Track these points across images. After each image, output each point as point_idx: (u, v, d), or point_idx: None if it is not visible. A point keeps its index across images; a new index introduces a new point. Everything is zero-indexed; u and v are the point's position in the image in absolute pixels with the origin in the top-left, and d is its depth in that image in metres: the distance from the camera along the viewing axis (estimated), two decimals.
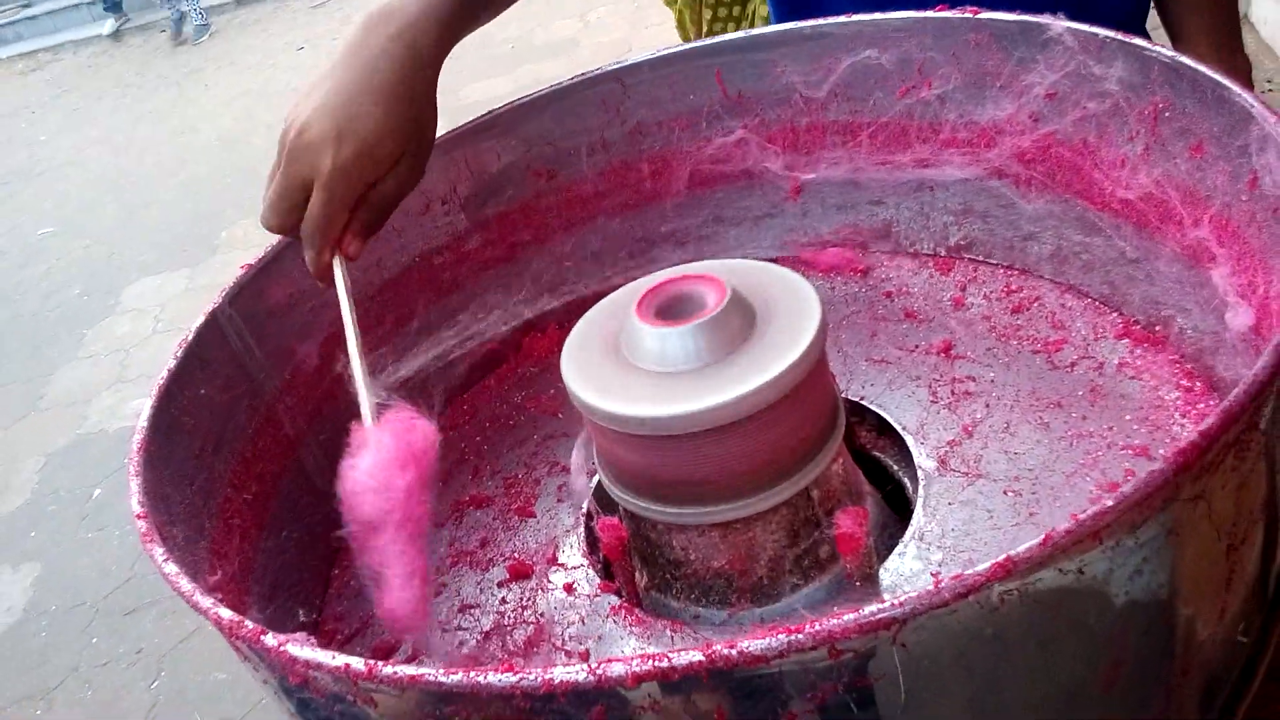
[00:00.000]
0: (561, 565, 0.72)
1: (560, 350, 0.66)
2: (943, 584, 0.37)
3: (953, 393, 0.75)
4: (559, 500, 0.78)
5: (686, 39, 1.97)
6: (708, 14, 1.90)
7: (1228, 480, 0.43)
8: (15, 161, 5.86)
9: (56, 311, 4.12)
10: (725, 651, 0.37)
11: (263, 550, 0.70)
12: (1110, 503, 0.38)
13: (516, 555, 0.74)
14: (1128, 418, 0.69)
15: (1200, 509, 0.42)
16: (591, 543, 0.72)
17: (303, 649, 0.42)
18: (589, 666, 0.38)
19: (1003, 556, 0.37)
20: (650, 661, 0.37)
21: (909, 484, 0.72)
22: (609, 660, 0.38)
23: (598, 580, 0.69)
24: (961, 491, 0.67)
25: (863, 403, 0.76)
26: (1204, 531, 0.43)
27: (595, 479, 0.76)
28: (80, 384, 3.48)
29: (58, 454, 3.14)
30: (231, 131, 5.53)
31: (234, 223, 4.50)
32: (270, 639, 0.43)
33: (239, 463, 0.71)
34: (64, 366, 3.63)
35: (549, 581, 0.71)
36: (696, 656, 0.37)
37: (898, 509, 0.72)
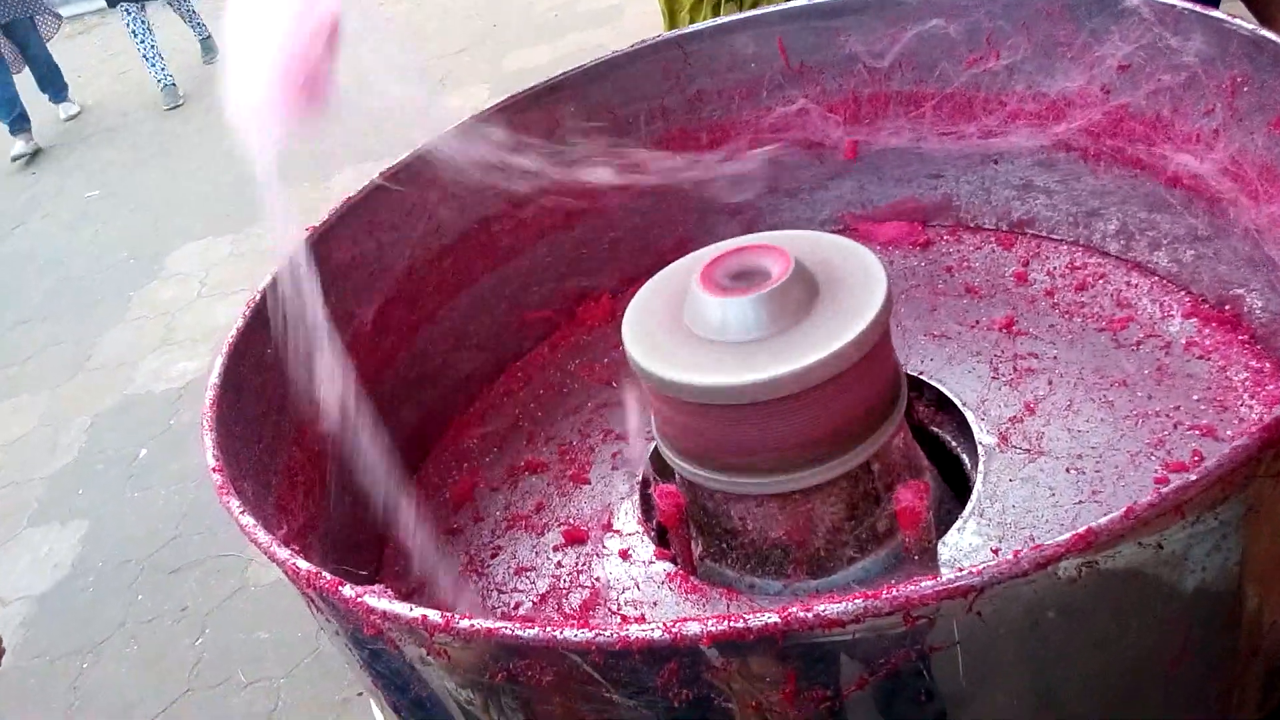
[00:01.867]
0: (617, 531, 0.72)
1: (613, 318, 0.66)
2: (1021, 554, 0.37)
3: (1014, 369, 0.74)
4: (613, 468, 0.78)
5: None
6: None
7: None
8: (62, 124, 5.94)
9: (104, 275, 4.18)
10: (801, 614, 0.37)
11: (324, 508, 0.71)
12: (1194, 476, 0.37)
13: (572, 520, 0.74)
14: (1195, 398, 0.68)
15: None
16: (646, 510, 0.73)
17: (380, 600, 0.43)
18: (665, 624, 0.38)
19: (1084, 528, 0.37)
20: (726, 622, 0.37)
21: (968, 460, 0.72)
22: (684, 620, 0.38)
23: (653, 547, 0.70)
24: (1022, 468, 0.67)
25: (922, 378, 0.76)
26: None
27: (651, 446, 0.76)
28: (127, 346, 3.53)
29: (105, 414, 3.19)
30: None
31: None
32: (348, 590, 0.44)
33: (302, 422, 0.72)
34: (111, 329, 3.69)
35: (604, 547, 0.71)
36: (772, 619, 0.37)
37: (956, 486, 0.72)
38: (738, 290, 0.61)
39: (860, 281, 0.62)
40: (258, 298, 0.70)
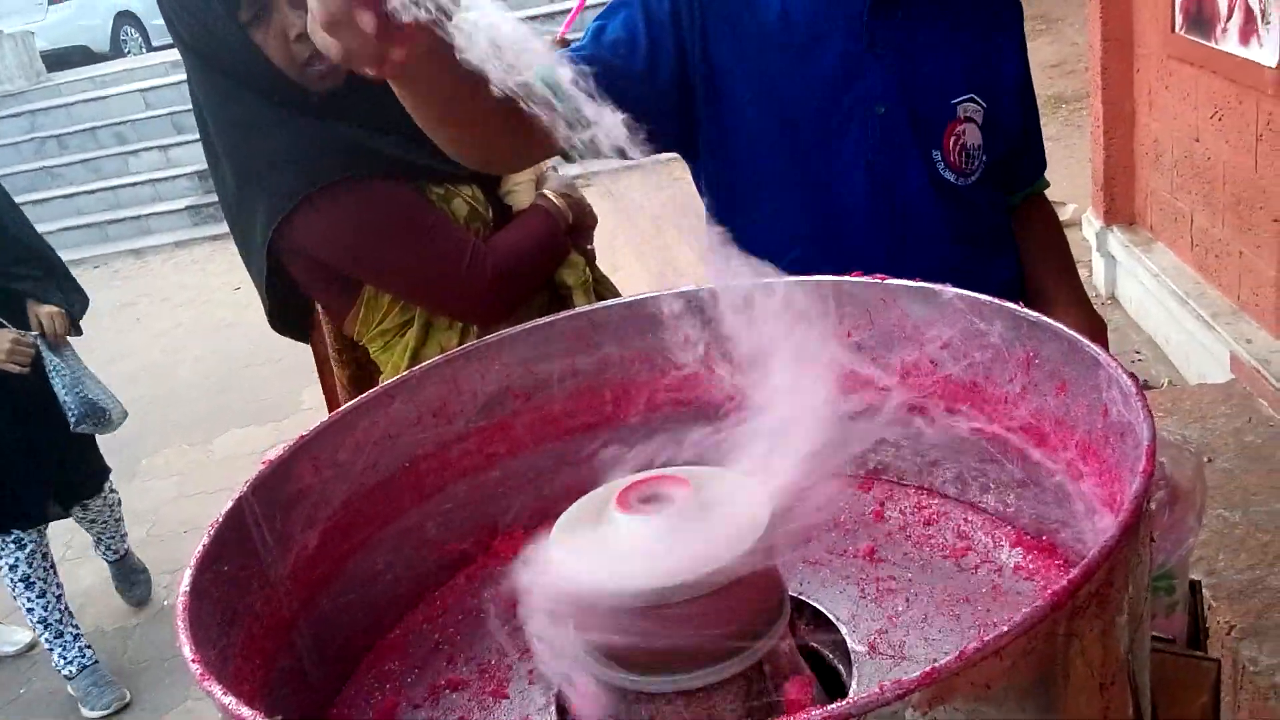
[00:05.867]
0: None
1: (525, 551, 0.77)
2: (885, 686, 0.48)
3: (878, 589, 0.87)
4: (530, 683, 0.86)
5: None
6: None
7: (1093, 625, 0.56)
8: None
9: None
10: None
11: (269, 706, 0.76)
12: (1006, 628, 0.50)
13: None
14: (1024, 610, 0.81)
15: (1075, 646, 0.54)
16: (561, 716, 0.80)
17: None
18: None
19: (929, 667, 0.49)
20: None
21: (843, 669, 0.83)
22: None
23: None
24: (889, 671, 0.78)
25: (802, 597, 0.87)
26: (1079, 667, 0.55)
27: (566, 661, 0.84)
28: None
29: None
30: (159, 362, 5.60)
31: (155, 451, 4.49)
32: None
33: (247, 636, 0.78)
34: None
35: None
36: None
37: (835, 691, 0.82)
38: (647, 509, 0.73)
39: (748, 508, 0.75)
40: (221, 518, 0.78)
